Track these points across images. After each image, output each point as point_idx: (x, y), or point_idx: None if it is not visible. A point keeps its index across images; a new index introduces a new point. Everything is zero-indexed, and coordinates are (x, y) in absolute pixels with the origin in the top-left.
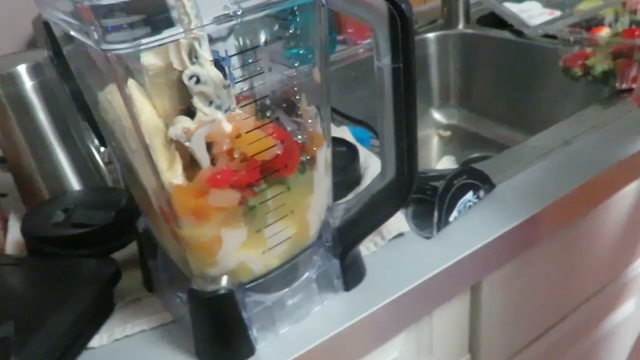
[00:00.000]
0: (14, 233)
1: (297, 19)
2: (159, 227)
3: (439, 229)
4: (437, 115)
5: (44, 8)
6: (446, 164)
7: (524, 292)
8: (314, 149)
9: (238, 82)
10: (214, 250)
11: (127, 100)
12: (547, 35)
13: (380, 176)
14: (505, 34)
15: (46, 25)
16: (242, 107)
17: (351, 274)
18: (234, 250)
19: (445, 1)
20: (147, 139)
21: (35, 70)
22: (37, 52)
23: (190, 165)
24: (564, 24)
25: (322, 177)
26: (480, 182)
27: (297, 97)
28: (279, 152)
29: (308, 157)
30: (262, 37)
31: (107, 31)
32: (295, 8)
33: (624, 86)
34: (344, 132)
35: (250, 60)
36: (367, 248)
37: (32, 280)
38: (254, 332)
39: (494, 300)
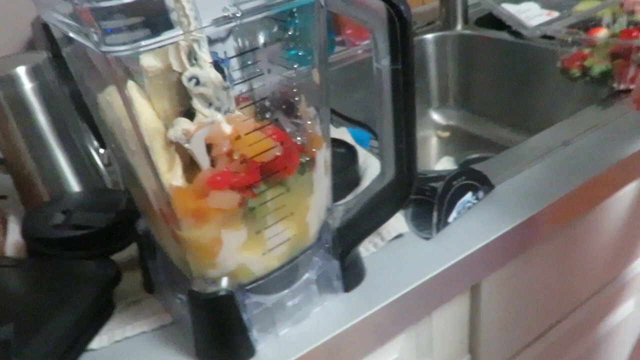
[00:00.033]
0: (14, 235)
1: (296, 21)
2: (158, 228)
3: (438, 230)
4: (436, 116)
5: (43, 10)
6: (445, 164)
7: (524, 293)
8: (314, 150)
9: (237, 83)
10: (214, 252)
11: (127, 102)
12: (545, 36)
13: (380, 177)
14: (504, 35)
15: (45, 27)
16: (241, 108)
17: (351, 275)
18: (234, 252)
19: (444, 2)
20: (146, 141)
21: (35, 72)
22: (36, 54)
23: (190, 166)
24: (562, 25)
25: (321, 178)
26: (480, 182)
27: (296, 99)
28: (278, 153)
29: (307, 159)
30: (261, 39)
31: (107, 33)
32: (294, 10)
33: (622, 87)
34: (343, 133)
35: (249, 62)
36: (366, 249)
37: (32, 282)
38: (254, 334)
39: (494, 301)
